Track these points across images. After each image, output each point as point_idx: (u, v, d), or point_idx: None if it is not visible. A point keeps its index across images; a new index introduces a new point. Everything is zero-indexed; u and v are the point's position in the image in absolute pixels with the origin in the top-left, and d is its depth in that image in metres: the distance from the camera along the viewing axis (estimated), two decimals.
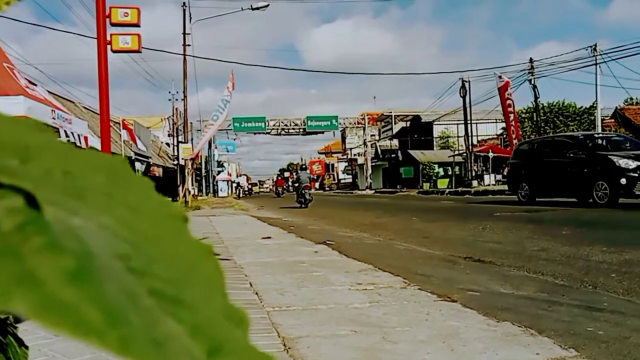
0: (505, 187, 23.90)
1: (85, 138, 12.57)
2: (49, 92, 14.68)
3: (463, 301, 3.26)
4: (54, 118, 10.48)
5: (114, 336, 0.18)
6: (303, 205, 19.22)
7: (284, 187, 53.60)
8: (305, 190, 19.41)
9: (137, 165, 20.94)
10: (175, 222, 0.25)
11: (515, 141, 29.91)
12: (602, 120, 34.71)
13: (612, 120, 41.32)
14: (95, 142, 14.70)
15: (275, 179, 72.54)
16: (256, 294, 3.52)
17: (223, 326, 0.22)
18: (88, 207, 0.21)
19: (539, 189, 14.85)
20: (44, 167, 0.22)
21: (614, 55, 28.79)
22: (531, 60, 30.92)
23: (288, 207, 19.91)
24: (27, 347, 0.57)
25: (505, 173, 24.24)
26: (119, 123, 19.41)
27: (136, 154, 20.42)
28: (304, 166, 23.27)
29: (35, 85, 12.21)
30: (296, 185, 20.86)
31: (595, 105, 33.39)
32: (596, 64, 30.16)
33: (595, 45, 29.86)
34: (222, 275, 0.25)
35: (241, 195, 43.50)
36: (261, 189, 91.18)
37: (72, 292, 0.18)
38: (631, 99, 51.99)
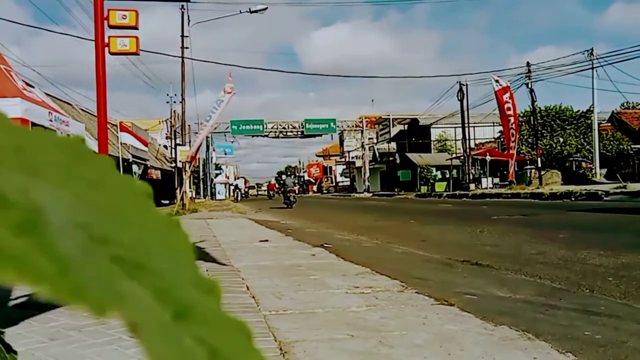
0: (503, 190, 23.91)
1: None
2: (46, 94, 14.66)
3: (460, 305, 3.26)
4: (51, 120, 10.46)
5: (67, 283, 0.17)
6: (289, 206, 21.83)
7: (275, 190, 54.14)
8: (290, 193, 22.39)
9: (135, 167, 20.89)
10: (139, 197, 0.24)
11: (512, 144, 30.00)
12: (599, 124, 34.78)
13: (609, 124, 41.46)
14: (93, 144, 14.68)
15: (270, 181, 73.59)
16: (253, 297, 3.50)
17: (191, 293, 0.22)
18: (43, 181, 0.21)
19: None
20: None
21: (611, 60, 28.88)
22: (528, 64, 31.00)
23: (276, 207, 22.61)
24: (15, 352, 0.56)
25: None
26: (116, 125, 19.38)
27: (134, 156, 20.38)
28: (289, 173, 31.14)
29: (32, 87, 12.20)
30: (282, 189, 24.00)
31: (592, 109, 33.47)
32: (593, 68, 30.26)
33: (592, 49, 29.97)
34: (191, 248, 0.24)
35: (239, 198, 41.45)
36: (259, 192, 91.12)
37: (21, 242, 0.18)
38: (628, 102, 52.18)
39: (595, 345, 2.59)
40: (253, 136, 56.77)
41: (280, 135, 56.30)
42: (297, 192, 24.83)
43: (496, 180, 34.33)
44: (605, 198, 17.29)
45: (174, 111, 38.85)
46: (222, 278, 4.23)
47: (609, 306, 3.44)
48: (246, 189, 71.61)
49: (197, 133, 42.38)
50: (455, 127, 43.89)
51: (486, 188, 31.55)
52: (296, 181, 26.78)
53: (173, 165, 31.07)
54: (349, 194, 53.35)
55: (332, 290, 3.74)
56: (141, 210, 0.23)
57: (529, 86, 30.64)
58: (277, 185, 45.18)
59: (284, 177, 25.63)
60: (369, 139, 58.42)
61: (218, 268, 4.81)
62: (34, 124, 9.75)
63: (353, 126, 58.87)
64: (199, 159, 40.21)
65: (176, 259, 0.23)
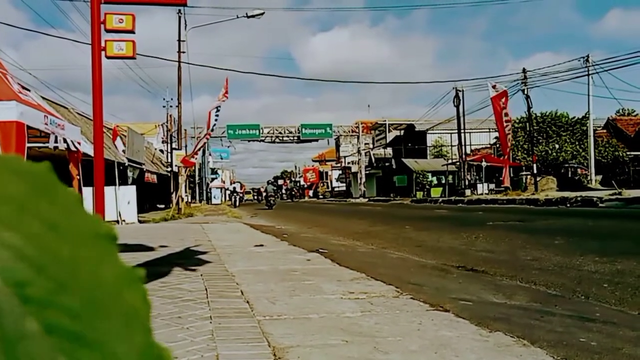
0: (499, 196, 23.96)
1: (78, 143, 12.52)
2: (42, 97, 14.62)
3: (455, 311, 3.24)
4: (46, 124, 10.42)
5: None
6: (269, 208, 28.46)
7: (264, 194, 55.41)
8: (270, 198, 29.53)
9: (129, 172, 20.82)
10: (101, 242, 0.22)
11: (508, 150, 30.07)
12: (595, 130, 34.93)
13: (605, 131, 41.64)
14: (88, 148, 14.64)
15: (259, 188, 74.63)
16: (247, 302, 3.48)
17: None
18: None
19: None
20: None
21: (606, 66, 29.03)
22: (524, 71, 31.12)
23: (261, 209, 28.55)
24: None
25: None
26: (112, 129, 19.35)
27: (129, 160, 20.33)
28: (270, 180, 34.18)
29: (28, 90, 12.16)
30: (264, 194, 32.51)
31: (587, 115, 33.60)
32: (588, 75, 30.40)
33: (588, 56, 30.11)
34: (148, 308, 0.22)
35: (237, 203, 38.89)
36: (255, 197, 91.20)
37: None
38: (623, 109, 52.45)
39: (591, 352, 2.58)
40: (249, 141, 56.78)
41: (277, 140, 56.33)
42: (276, 196, 31.65)
43: (492, 186, 34.39)
44: (600, 204, 17.33)
45: (170, 115, 38.80)
46: (217, 283, 4.21)
47: (604, 313, 3.43)
48: (242, 194, 71.52)
49: (193, 137, 42.35)
50: (451, 133, 44.02)
51: (482, 194, 31.59)
52: (275, 189, 33.66)
53: (169, 169, 31.01)
54: (344, 199, 53.34)
55: (327, 296, 3.72)
56: (98, 260, 0.21)
57: (525, 92, 30.75)
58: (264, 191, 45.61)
59: (267, 185, 32.40)
60: (365, 144, 58.50)
61: (212, 273, 4.79)
62: (29, 127, 9.71)
63: (349, 131, 58.95)
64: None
65: (128, 321, 0.21)
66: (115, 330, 0.19)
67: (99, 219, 0.24)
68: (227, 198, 76.61)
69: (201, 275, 4.63)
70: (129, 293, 0.22)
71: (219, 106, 20.70)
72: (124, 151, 16.47)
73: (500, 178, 32.15)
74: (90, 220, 0.23)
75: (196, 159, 26.72)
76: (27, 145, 9.84)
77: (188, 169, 24.16)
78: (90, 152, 14.29)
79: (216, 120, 20.80)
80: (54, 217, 0.21)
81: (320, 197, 74.10)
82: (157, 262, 5.74)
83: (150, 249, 7.09)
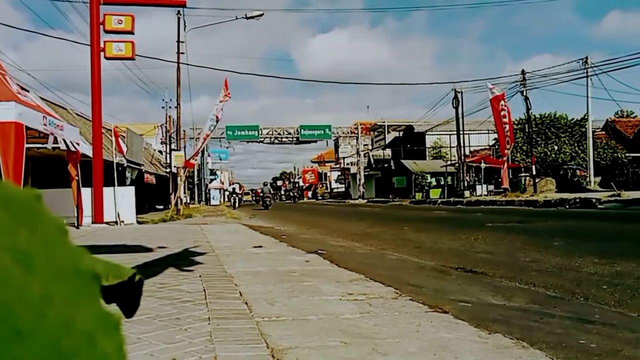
0: (497, 197, 23.97)
1: (77, 144, 12.50)
2: (41, 98, 14.60)
3: (454, 312, 3.24)
4: (45, 124, 10.41)
5: None
6: (265, 208, 30.67)
7: (260, 196, 55.91)
8: (266, 198, 31.94)
9: (128, 172, 20.81)
10: (80, 280, 0.20)
11: (507, 152, 30.08)
12: (594, 132, 34.95)
13: (603, 133, 41.68)
14: (87, 148, 14.63)
15: (257, 190, 75.18)
16: (246, 303, 3.47)
17: None
18: None
19: None
20: None
21: (605, 68, 29.04)
22: (523, 72, 31.14)
23: (259, 210, 30.13)
24: None
25: None
26: (111, 130, 19.34)
27: (128, 161, 20.31)
28: (265, 182, 35.57)
29: (27, 91, 12.15)
30: (261, 195, 35.77)
31: (586, 117, 33.62)
32: (587, 77, 30.41)
33: (587, 57, 30.12)
34: (123, 357, 0.20)
35: (237, 204, 36.62)
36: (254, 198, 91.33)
37: None
38: (622, 111, 52.52)
39: (590, 354, 2.57)
40: (248, 142, 56.75)
41: (276, 141, 56.31)
42: (272, 197, 34.40)
43: (491, 187, 34.40)
44: (599, 206, 17.33)
45: (169, 116, 38.80)
46: (215, 284, 4.20)
47: (603, 314, 3.42)
48: (240, 195, 71.52)
49: (192, 138, 42.34)
50: (450, 135, 44.00)
51: (481, 195, 31.59)
52: (272, 190, 37.42)
53: (168, 170, 30.99)
54: (343, 200, 53.34)
55: (326, 297, 3.71)
56: (73, 301, 0.19)
57: (524, 94, 30.77)
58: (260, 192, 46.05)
59: (263, 187, 34.85)
60: (364, 145, 58.50)
61: (211, 274, 4.78)
62: (28, 128, 9.70)
63: (348, 132, 58.94)
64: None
65: None
66: None
67: (82, 253, 0.21)
68: (226, 199, 76.55)
69: (200, 276, 4.63)
70: (103, 341, 0.19)
71: (222, 107, 20.64)
72: (123, 155, 16.43)
73: (499, 179, 32.18)
74: (72, 254, 0.21)
75: (196, 159, 26.74)
76: (26, 145, 9.83)
77: (187, 169, 24.16)
78: (89, 153, 14.29)
79: (215, 118, 20.79)
80: (30, 249, 0.19)
81: (319, 198, 74.11)
82: (155, 263, 5.73)
83: (149, 249, 7.08)
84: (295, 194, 62.45)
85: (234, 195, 38.31)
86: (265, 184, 35.25)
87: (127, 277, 0.26)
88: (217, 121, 20.26)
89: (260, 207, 33.17)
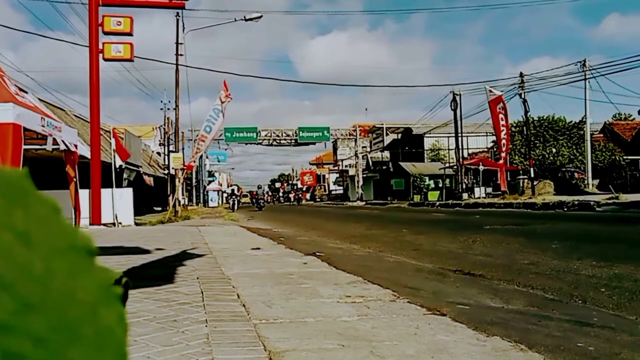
0: (496, 199, 24.01)
1: (75, 145, 12.48)
2: (39, 99, 14.59)
3: (452, 315, 3.23)
4: (43, 125, 10.39)
5: None
6: (259, 209, 33.25)
7: (255, 198, 56.92)
8: (260, 200, 35.43)
9: (126, 174, 20.78)
10: (77, 255, 0.20)
11: (504, 154, 30.11)
12: (592, 134, 34.99)
13: (601, 135, 41.73)
14: (85, 150, 14.60)
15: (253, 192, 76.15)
16: (243, 305, 3.46)
17: None
18: None
19: None
20: None
21: (603, 71, 29.11)
22: (521, 75, 31.18)
23: (254, 211, 31.95)
24: None
25: None
26: (109, 131, 19.32)
27: (126, 162, 20.29)
28: (260, 185, 38.50)
29: (25, 92, 12.12)
30: (255, 197, 37.35)
31: (584, 120, 33.67)
32: (585, 79, 30.45)
33: (585, 60, 30.18)
34: (124, 329, 0.20)
35: (236, 206, 34.80)
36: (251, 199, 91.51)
37: None
38: (620, 114, 52.60)
39: (588, 357, 2.57)
40: (247, 144, 56.76)
41: (274, 143, 56.30)
42: (265, 200, 38.10)
43: (489, 189, 34.41)
44: (597, 209, 17.34)
45: (168, 118, 38.77)
46: (213, 286, 4.19)
47: (601, 317, 3.42)
48: (239, 197, 71.33)
49: (191, 140, 42.29)
50: (448, 137, 44.04)
51: (479, 197, 31.60)
52: (266, 192, 40.08)
53: (166, 172, 30.96)
54: (342, 202, 53.34)
55: (324, 299, 3.70)
56: (73, 275, 0.19)
57: (522, 96, 30.81)
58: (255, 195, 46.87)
59: (257, 190, 37.42)
60: (363, 147, 58.54)
61: (209, 276, 4.76)
62: (26, 130, 9.68)
63: (347, 135, 58.96)
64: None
65: (100, 348, 0.18)
66: (85, 356, 0.18)
67: (77, 230, 0.22)
68: (224, 201, 76.43)
69: (197, 278, 4.61)
70: (105, 312, 0.20)
71: (224, 108, 20.59)
72: (126, 160, 16.42)
73: (498, 182, 32.21)
74: (67, 231, 0.21)
75: (195, 162, 26.69)
76: (24, 147, 9.81)
77: (185, 171, 24.14)
78: (87, 155, 14.26)
79: (213, 122, 20.80)
80: (27, 228, 0.19)
81: (318, 199, 74.09)
82: (153, 264, 5.72)
83: (147, 251, 7.06)
84: (301, 195, 62.35)
85: (233, 197, 36.94)
86: (259, 187, 38.29)
87: (114, 280, 0.25)
88: (223, 118, 20.20)
89: (255, 208, 35.64)
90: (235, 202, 35.88)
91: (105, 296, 0.20)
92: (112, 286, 0.21)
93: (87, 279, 0.20)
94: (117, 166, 15.06)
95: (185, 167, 24.33)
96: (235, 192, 39.43)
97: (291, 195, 69.24)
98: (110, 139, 17.31)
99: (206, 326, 2.87)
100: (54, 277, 0.19)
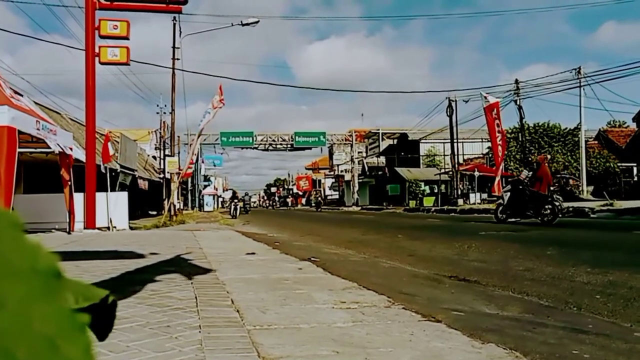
0: (491, 205, 24.04)
1: (70, 149, 12.43)
2: (35, 102, 14.53)
3: (448, 321, 3.21)
4: (38, 129, 10.36)
5: None
6: (246, 212, 37.35)
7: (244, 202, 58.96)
8: (247, 205, 41.35)
9: (121, 177, 20.72)
10: (38, 279, 0.17)
11: (500, 160, 30.14)
12: (586, 141, 35.11)
13: (596, 142, 41.90)
14: (80, 153, 14.55)
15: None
16: (237, 311, 3.44)
17: None
18: None
19: None
20: None
21: (598, 78, 29.24)
22: (517, 82, 31.30)
23: (242, 214, 33.26)
24: None
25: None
26: (104, 135, 19.29)
27: (121, 166, 20.23)
28: (247, 192, 45.05)
29: (21, 95, 12.09)
30: (242, 202, 40.71)
31: (579, 126, 33.78)
32: (580, 87, 30.57)
33: (580, 68, 30.30)
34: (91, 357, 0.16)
35: (238, 213, 29.87)
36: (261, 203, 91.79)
37: None
38: (614, 121, 52.84)
39: None
40: (242, 148, 56.75)
41: (270, 147, 56.33)
42: (251, 204, 45.38)
43: (484, 195, 34.47)
44: (592, 215, 17.40)
45: (164, 122, 38.73)
46: (207, 291, 4.17)
47: (596, 324, 3.41)
48: (247, 202, 70.91)
49: (187, 144, 42.19)
50: (444, 143, 44.14)
51: (474, 203, 31.65)
52: (250, 197, 46.01)
53: (161, 176, 30.89)
54: (337, 208, 53.30)
55: (318, 305, 3.68)
56: (31, 302, 0.16)
57: (518, 103, 30.91)
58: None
59: (245, 196, 43.00)
60: (359, 152, 58.62)
61: (203, 281, 4.74)
62: (21, 132, 9.65)
63: (343, 140, 59.05)
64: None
65: None
66: None
67: (39, 249, 0.19)
68: (220, 205, 76.01)
69: (191, 283, 4.59)
70: (66, 346, 0.17)
71: (215, 113, 20.67)
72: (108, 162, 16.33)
73: (492, 188, 32.23)
74: (28, 250, 0.18)
75: (192, 168, 26.62)
76: (19, 150, 9.77)
77: (180, 175, 24.10)
78: (82, 158, 14.21)
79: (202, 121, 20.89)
80: None
81: (313, 205, 74.01)
82: (147, 269, 5.68)
83: (141, 256, 7.02)
84: (321, 199, 60.75)
85: (235, 201, 30.44)
86: (246, 194, 46.15)
87: (99, 299, 0.23)
88: (212, 118, 20.30)
89: (243, 211, 38.65)
90: (237, 207, 30.10)
91: (69, 326, 0.17)
92: (77, 314, 0.17)
93: (47, 306, 0.17)
94: (105, 166, 14.96)
95: (180, 172, 24.29)
96: (236, 195, 32.72)
97: (289, 200, 68.94)
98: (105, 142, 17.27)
99: (200, 332, 2.85)
100: (4, 306, 0.16)
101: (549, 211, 13.88)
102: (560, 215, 14.04)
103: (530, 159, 35.03)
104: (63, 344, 0.17)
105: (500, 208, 15.73)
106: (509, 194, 15.34)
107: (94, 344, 0.17)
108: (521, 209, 14.81)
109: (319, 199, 56.40)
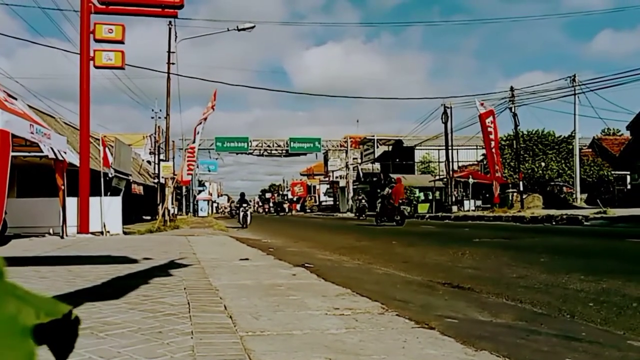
0: (485, 212, 24.12)
1: (64, 153, 12.38)
2: (29, 106, 14.48)
3: (441, 328, 3.21)
4: (32, 132, 10.31)
5: None
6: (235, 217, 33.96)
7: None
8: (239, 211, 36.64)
9: (114, 182, 20.65)
10: (8, 339, 0.15)
11: (496, 167, 30.24)
12: (580, 149, 35.26)
13: (590, 150, 42.11)
14: (74, 157, 14.50)
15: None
16: (230, 317, 3.42)
17: None
18: None
19: None
20: None
21: (592, 86, 29.38)
22: (512, 89, 31.41)
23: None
24: None
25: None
26: (99, 139, 19.23)
27: (116, 170, 20.15)
28: (241, 193, 39.17)
29: (15, 99, 12.04)
30: (237, 207, 37.60)
31: (573, 134, 33.94)
32: (575, 94, 30.71)
33: (574, 76, 30.45)
34: None
35: (249, 221, 22.81)
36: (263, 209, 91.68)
37: None
38: (608, 129, 53.12)
39: None
40: (237, 153, 56.73)
41: (265, 153, 56.32)
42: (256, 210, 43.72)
43: (478, 202, 34.54)
44: (585, 223, 17.45)
45: (159, 127, 38.64)
46: (200, 297, 4.15)
47: (589, 332, 3.41)
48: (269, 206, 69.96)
49: (182, 149, 42.14)
50: (439, 149, 44.23)
51: (468, 210, 31.71)
52: (249, 203, 41.67)
53: (156, 181, 30.80)
54: (332, 214, 53.29)
55: (312, 312, 3.67)
56: None
57: (513, 110, 31.01)
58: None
59: (241, 201, 40.62)
60: (354, 159, 58.71)
61: (196, 286, 4.72)
62: (14, 136, 9.60)
63: (338, 146, 59.13)
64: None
65: None
66: None
67: (13, 306, 0.17)
68: (214, 210, 75.68)
69: (184, 288, 4.56)
70: (6, 352, 0.15)
71: (206, 119, 20.74)
72: (109, 168, 16.30)
73: (488, 195, 32.34)
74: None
75: (190, 175, 26.56)
76: (13, 154, 9.72)
77: (175, 180, 24.04)
78: (76, 162, 14.15)
79: (199, 132, 21.06)
80: None
81: (308, 210, 73.98)
82: (139, 274, 5.65)
83: (134, 261, 6.99)
84: (285, 206, 61.83)
85: (244, 206, 23.76)
86: (241, 196, 44.04)
87: (61, 315, 0.21)
88: (193, 139, 20.60)
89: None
90: (249, 214, 23.43)
91: (8, 332, 0.15)
92: (19, 317, 0.16)
93: None
94: (105, 171, 14.93)
95: (175, 176, 24.23)
96: (245, 198, 25.36)
97: (285, 206, 68.65)
98: (99, 146, 17.22)
99: (192, 338, 2.83)
100: None
101: (399, 217, 20.06)
102: (406, 220, 20.22)
103: (524, 165, 35.17)
104: (3, 350, 0.15)
105: (377, 215, 21.82)
106: (379, 205, 21.54)
107: (37, 350, 0.16)
108: (388, 215, 20.84)
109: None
